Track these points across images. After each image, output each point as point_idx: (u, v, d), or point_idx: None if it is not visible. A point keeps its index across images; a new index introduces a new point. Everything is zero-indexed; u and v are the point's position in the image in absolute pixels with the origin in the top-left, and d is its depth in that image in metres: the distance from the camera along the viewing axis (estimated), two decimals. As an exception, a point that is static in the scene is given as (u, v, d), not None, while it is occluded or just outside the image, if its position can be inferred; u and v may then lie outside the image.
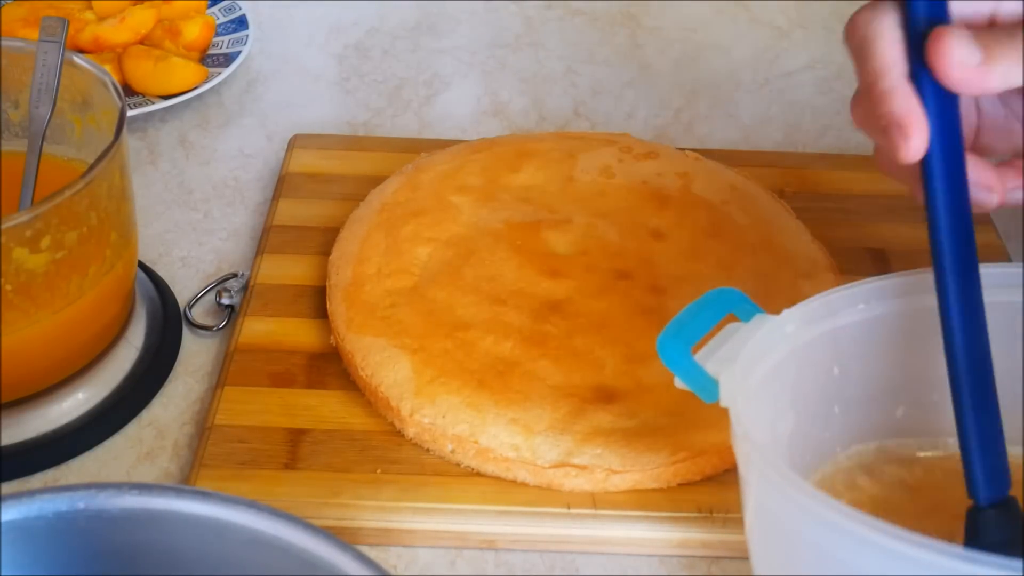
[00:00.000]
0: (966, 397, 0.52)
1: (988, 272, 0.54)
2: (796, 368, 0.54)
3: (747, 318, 0.55)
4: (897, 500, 0.57)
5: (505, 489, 0.62)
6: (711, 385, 0.52)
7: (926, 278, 0.53)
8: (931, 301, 0.53)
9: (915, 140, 0.50)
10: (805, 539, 0.47)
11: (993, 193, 0.54)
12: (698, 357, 0.53)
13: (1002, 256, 0.77)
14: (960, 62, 0.49)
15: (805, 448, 0.56)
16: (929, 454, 0.58)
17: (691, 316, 0.55)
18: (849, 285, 0.56)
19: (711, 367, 0.53)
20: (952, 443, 0.54)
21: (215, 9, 0.97)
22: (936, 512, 0.55)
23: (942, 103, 0.51)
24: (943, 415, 0.56)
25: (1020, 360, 0.55)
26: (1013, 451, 0.57)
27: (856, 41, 0.52)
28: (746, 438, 0.49)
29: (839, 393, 0.57)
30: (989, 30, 0.51)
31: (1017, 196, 0.56)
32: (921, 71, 0.51)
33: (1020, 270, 0.55)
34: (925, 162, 0.51)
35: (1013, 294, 0.55)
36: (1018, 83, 0.50)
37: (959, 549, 0.42)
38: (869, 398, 0.57)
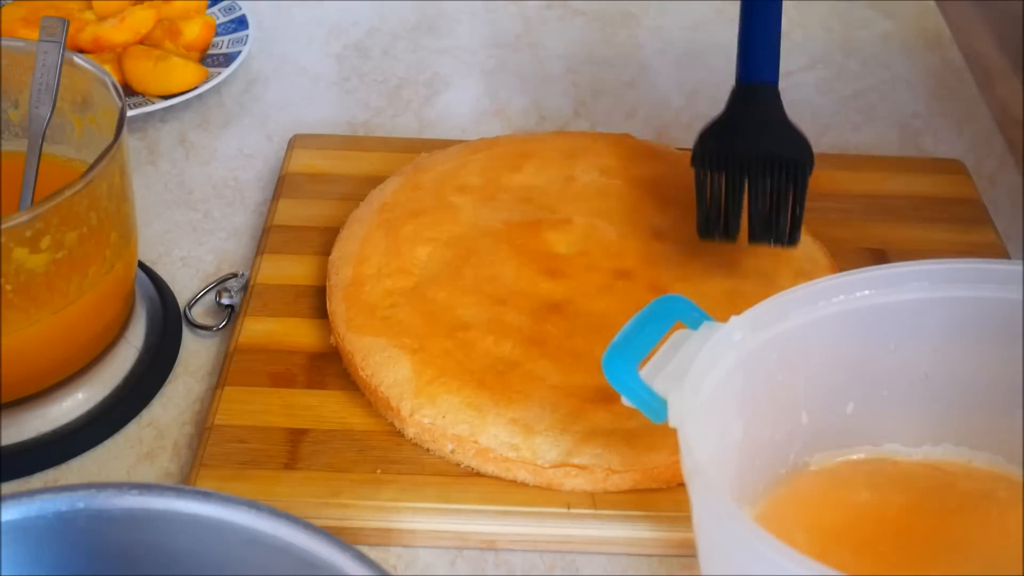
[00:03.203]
0: None
1: (988, 269, 0.54)
2: (744, 376, 0.53)
3: (695, 325, 0.54)
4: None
5: (505, 489, 0.62)
6: (659, 405, 0.51)
7: (870, 276, 0.54)
8: (878, 299, 0.53)
9: None
10: (742, 566, 0.46)
11: None
12: (644, 374, 0.52)
13: (1002, 256, 0.77)
14: None
15: (756, 454, 0.55)
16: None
17: (637, 330, 0.54)
18: (797, 287, 0.55)
19: (659, 386, 0.51)
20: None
21: (215, 9, 0.97)
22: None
23: None
24: (892, 410, 0.56)
25: (1020, 359, 0.55)
26: (1013, 466, 0.57)
27: None
28: (693, 463, 0.47)
29: (787, 395, 0.56)
30: None
31: None
32: None
33: (1020, 268, 0.55)
34: None
35: (1013, 292, 0.55)
36: None
37: None
38: (818, 397, 0.57)
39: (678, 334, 0.54)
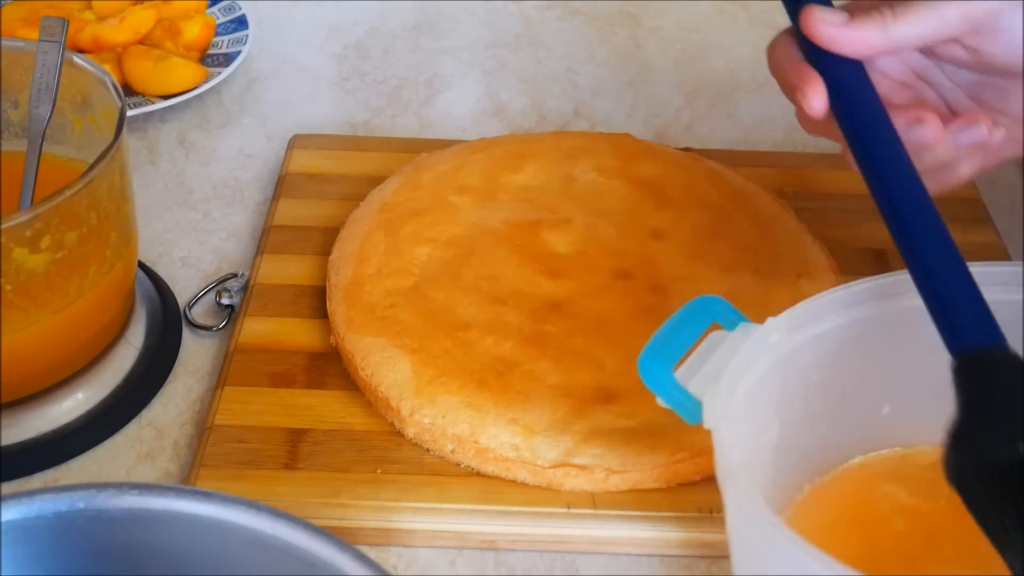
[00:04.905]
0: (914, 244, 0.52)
1: (989, 271, 0.54)
2: (781, 377, 0.53)
3: (731, 327, 0.54)
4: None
5: (505, 489, 0.62)
6: (694, 406, 0.51)
7: (908, 279, 0.53)
8: (916, 301, 0.52)
9: (812, 98, 0.58)
10: (775, 568, 0.46)
11: (925, 126, 0.58)
12: (680, 375, 0.52)
13: (1002, 256, 0.77)
14: (822, 19, 0.58)
15: (791, 454, 0.55)
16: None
17: (674, 330, 0.54)
18: (833, 289, 0.55)
19: (694, 387, 0.51)
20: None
21: (215, 9, 0.97)
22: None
23: (843, 67, 0.58)
24: (927, 413, 0.55)
25: None
26: None
27: (772, 61, 0.62)
28: (727, 465, 0.47)
29: (823, 396, 0.56)
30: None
31: (962, 137, 0.59)
32: (807, 45, 0.59)
33: (1020, 269, 0.55)
34: (836, 114, 0.58)
35: (1013, 293, 0.55)
36: (896, 44, 0.58)
37: None
38: (854, 398, 0.57)
39: (714, 335, 0.54)
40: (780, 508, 0.55)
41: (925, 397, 0.56)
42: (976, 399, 0.48)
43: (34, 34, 0.70)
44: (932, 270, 0.51)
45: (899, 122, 0.57)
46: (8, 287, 0.60)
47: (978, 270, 0.54)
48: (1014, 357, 0.48)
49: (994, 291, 0.53)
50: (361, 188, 0.79)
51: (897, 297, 0.55)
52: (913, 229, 0.52)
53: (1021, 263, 0.55)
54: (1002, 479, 0.45)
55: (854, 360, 0.56)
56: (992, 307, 0.50)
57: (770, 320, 0.53)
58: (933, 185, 0.55)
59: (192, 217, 0.82)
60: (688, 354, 0.53)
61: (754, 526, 0.46)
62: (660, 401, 0.52)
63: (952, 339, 0.49)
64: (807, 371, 0.54)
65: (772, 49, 0.61)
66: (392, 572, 0.54)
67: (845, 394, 0.56)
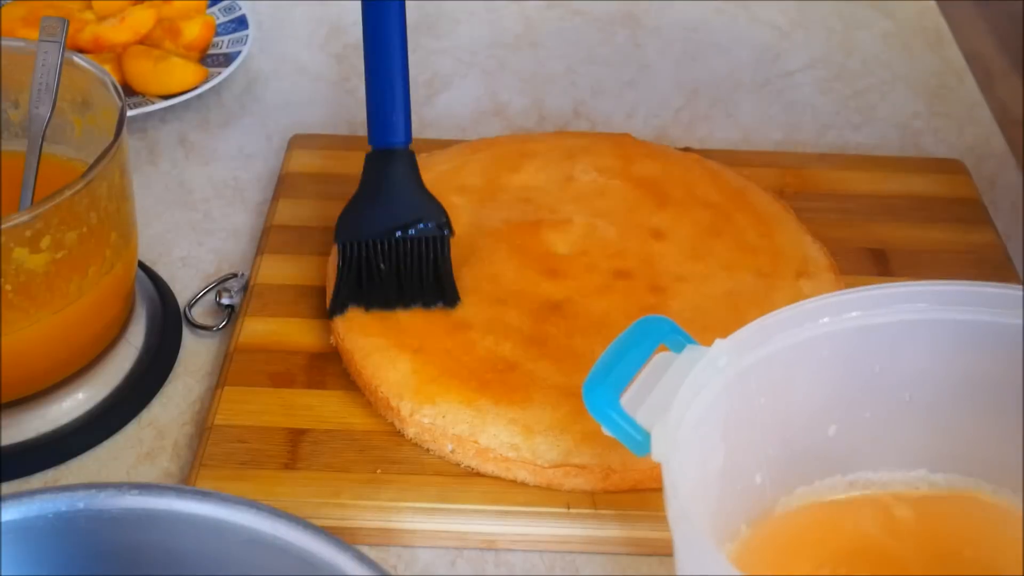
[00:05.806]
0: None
1: (975, 292, 0.53)
2: (728, 401, 0.51)
3: (678, 349, 0.52)
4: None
5: (505, 489, 0.62)
6: (642, 438, 0.49)
7: (857, 297, 0.53)
8: (864, 320, 0.52)
9: None
10: None
11: None
12: (626, 403, 0.50)
13: (1002, 256, 0.77)
14: None
15: (738, 479, 0.53)
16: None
17: (619, 356, 0.51)
18: (782, 310, 0.53)
19: (642, 417, 0.49)
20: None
21: (215, 9, 0.97)
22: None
23: None
24: (874, 433, 0.55)
25: (1020, 384, 0.54)
26: (1014, 498, 0.56)
27: None
28: (680, 507, 0.45)
29: (769, 418, 0.54)
30: None
31: None
32: None
33: (1008, 291, 0.54)
34: None
35: (1013, 317, 0.54)
36: None
37: None
38: (800, 419, 0.55)
39: (660, 358, 0.52)
40: (728, 541, 0.53)
41: (873, 417, 0.55)
42: (362, 186, 0.71)
43: (34, 34, 0.70)
44: (374, 85, 0.70)
45: None
46: (8, 287, 0.60)
47: (964, 289, 0.54)
48: (404, 154, 0.71)
49: (995, 315, 0.53)
50: (361, 188, 0.79)
51: (847, 316, 0.54)
52: (374, 52, 0.70)
53: (1020, 287, 0.54)
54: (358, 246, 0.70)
55: (802, 380, 0.54)
56: (993, 331, 0.53)
57: (718, 342, 0.51)
58: None
59: (192, 217, 0.82)
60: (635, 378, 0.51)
61: (706, 571, 0.45)
62: (605, 431, 0.50)
63: (370, 137, 0.71)
64: (753, 393, 0.53)
65: None
66: (392, 572, 0.54)
67: (792, 415, 0.55)
